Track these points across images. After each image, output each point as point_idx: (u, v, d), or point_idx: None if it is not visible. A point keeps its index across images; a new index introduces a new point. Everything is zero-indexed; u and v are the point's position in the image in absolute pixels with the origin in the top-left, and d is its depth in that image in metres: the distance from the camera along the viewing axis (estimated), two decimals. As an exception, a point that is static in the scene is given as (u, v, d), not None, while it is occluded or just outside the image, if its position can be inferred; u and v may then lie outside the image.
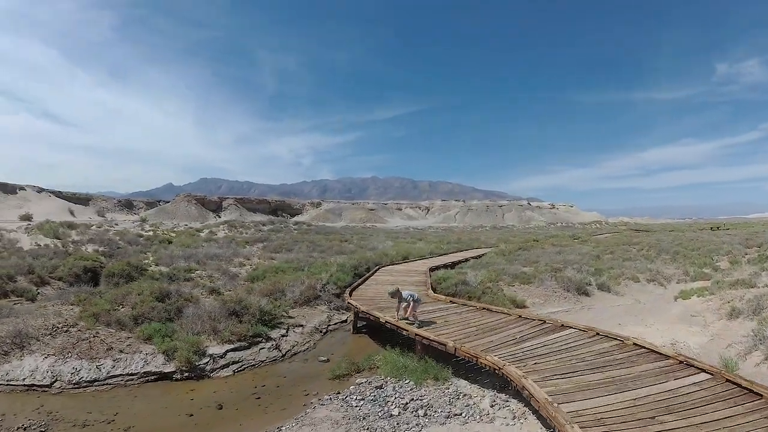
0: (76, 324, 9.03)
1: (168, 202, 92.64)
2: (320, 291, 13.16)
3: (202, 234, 35.11)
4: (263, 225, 40.62)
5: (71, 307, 10.05)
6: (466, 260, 18.14)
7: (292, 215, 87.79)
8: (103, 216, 73.89)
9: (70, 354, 7.64)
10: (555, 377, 5.34)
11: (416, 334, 7.37)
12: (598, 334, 7.07)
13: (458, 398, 6.05)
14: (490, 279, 13.59)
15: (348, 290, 11.83)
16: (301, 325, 10.36)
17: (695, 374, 5.18)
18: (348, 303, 10.09)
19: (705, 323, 9.30)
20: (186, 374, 7.51)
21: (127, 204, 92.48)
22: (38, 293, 12.30)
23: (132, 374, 7.40)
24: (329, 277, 14.01)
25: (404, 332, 7.76)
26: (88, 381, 7.15)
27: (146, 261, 19.00)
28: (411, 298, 8.20)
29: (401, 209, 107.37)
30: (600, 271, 14.97)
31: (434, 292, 11.65)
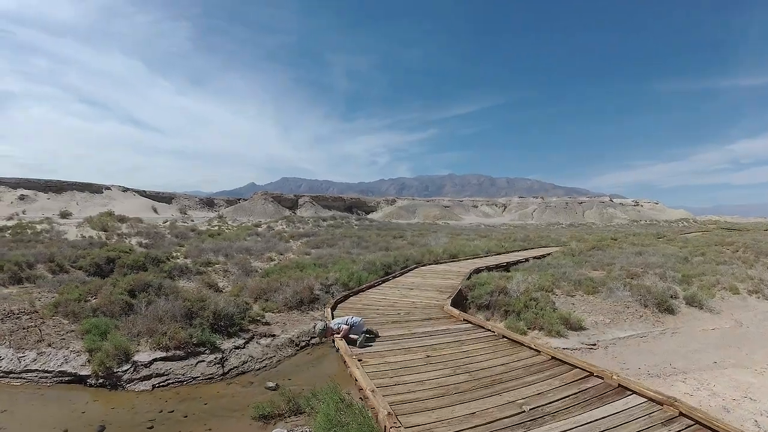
0: (35, 312, 9.36)
1: (247, 200, 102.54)
2: (324, 292, 12.48)
3: (259, 228, 37.31)
4: (323, 221, 41.65)
5: (53, 294, 10.69)
6: (526, 260, 17.64)
7: (367, 212, 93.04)
8: (184, 213, 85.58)
9: (4, 340, 8.20)
10: None
11: (350, 372, 5.65)
12: (693, 420, 4.02)
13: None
14: (541, 287, 11.61)
15: (342, 295, 10.59)
16: (273, 335, 9.47)
17: None
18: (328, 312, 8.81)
19: None
20: (101, 381, 7.38)
21: (208, 202, 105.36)
22: (37, 278, 13.57)
23: (47, 372, 7.55)
24: (340, 277, 12.96)
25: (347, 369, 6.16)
26: (4, 372, 7.51)
27: (175, 253, 20.22)
28: (339, 326, 6.94)
29: (477, 206, 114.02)
30: (688, 279, 13.90)
31: (453, 304, 9.62)
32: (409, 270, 14.91)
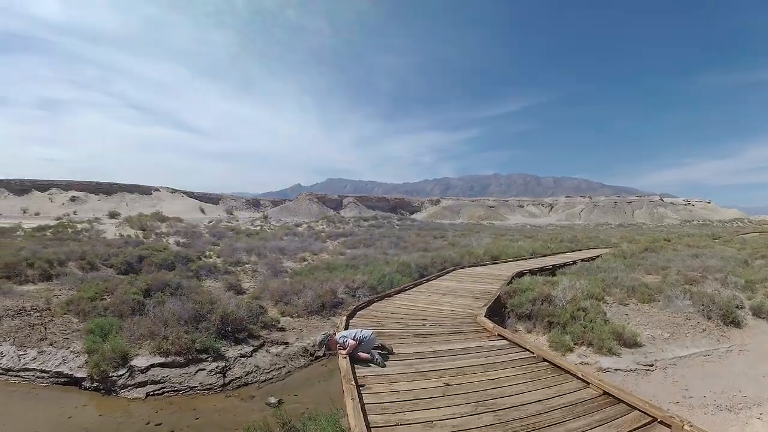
0: (47, 309, 9.41)
1: (292, 201, 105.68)
2: (351, 296, 12.02)
3: (299, 228, 37.66)
4: (364, 220, 41.33)
5: (73, 292, 11.20)
6: (573, 263, 17.06)
7: (411, 213, 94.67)
8: (231, 213, 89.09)
9: (9, 337, 8.35)
10: None
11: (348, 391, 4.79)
12: None
13: None
14: (590, 293, 10.59)
15: (364, 300, 9.84)
16: (285, 343, 8.89)
17: None
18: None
19: None
20: (95, 384, 7.25)
21: (254, 203, 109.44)
22: (66, 275, 14.06)
23: (45, 372, 7.55)
24: (368, 279, 12.34)
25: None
26: (5, 369, 7.61)
27: (208, 252, 20.55)
28: (344, 340, 6.03)
29: (523, 206, 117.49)
30: (752, 285, 12.90)
31: (489, 314, 8.54)
32: (446, 273, 14.34)
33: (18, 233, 23.20)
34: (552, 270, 15.53)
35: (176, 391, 7.24)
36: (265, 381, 7.79)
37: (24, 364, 7.66)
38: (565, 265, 16.85)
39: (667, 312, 10.32)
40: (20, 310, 9.58)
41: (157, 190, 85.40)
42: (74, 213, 51.68)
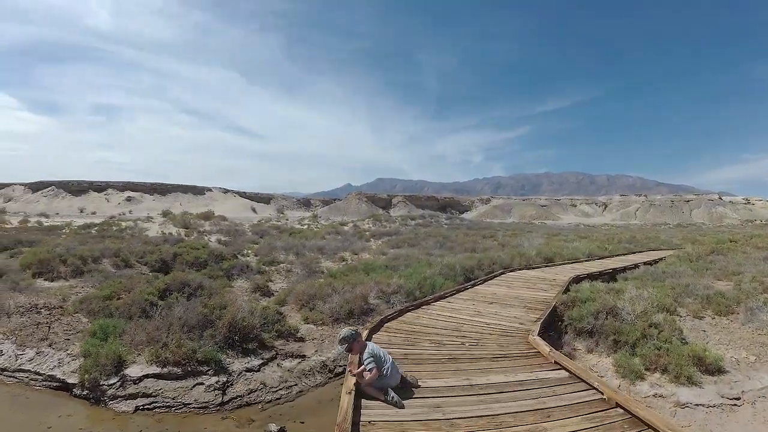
0: (59, 307, 9.21)
1: (341, 200, 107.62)
2: (385, 302, 11.05)
3: (345, 227, 37.47)
4: (412, 219, 40.33)
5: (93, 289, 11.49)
6: (635, 267, 16.27)
7: (461, 212, 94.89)
8: (281, 212, 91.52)
9: (13, 336, 8.31)
10: None
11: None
12: None
13: None
14: (661, 304, 9.49)
15: (395, 310, 8.80)
16: (302, 356, 8.04)
17: None
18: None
19: None
20: (85, 392, 6.89)
21: (305, 202, 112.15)
22: (98, 272, 14.58)
23: (39, 374, 7.37)
24: (405, 283, 11.40)
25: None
26: (1, 368, 7.55)
27: (246, 251, 20.57)
28: (371, 364, 4.77)
29: (576, 205, 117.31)
30: None
31: (543, 331, 7.14)
32: (494, 277, 13.69)
33: (64, 230, 24.36)
34: (612, 274, 14.92)
35: (168, 407, 6.65)
36: (270, 401, 6.90)
37: (20, 365, 7.53)
38: (626, 268, 16.12)
39: (751, 328, 9.13)
40: (32, 307, 9.58)
41: (209, 190, 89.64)
42: (129, 212, 55.15)
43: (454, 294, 10.70)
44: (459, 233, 30.67)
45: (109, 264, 16.41)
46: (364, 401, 4.50)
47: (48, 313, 9.37)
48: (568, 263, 17.74)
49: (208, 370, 7.23)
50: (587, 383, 5.01)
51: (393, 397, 4.49)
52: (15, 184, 79.37)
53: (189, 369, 7.17)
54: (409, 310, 8.99)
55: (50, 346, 7.93)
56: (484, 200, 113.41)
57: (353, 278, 12.98)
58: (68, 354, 7.67)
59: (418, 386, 4.91)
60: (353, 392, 4.51)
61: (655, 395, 6.71)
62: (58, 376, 7.20)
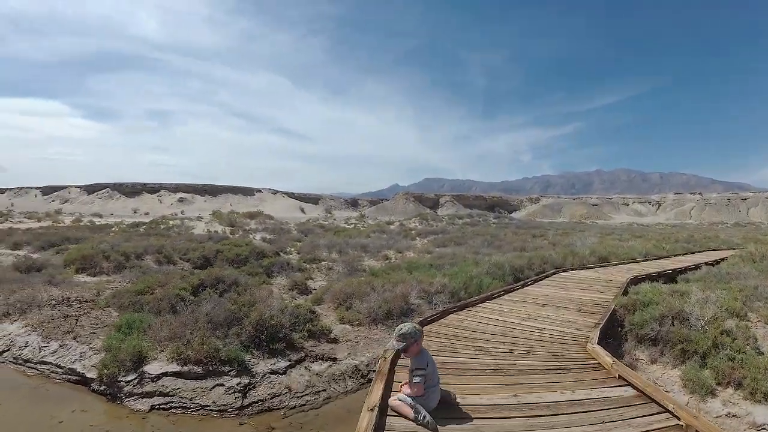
0: (91, 301, 9.28)
1: (389, 200, 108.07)
2: (427, 302, 10.39)
3: (391, 226, 37.13)
4: (459, 218, 39.19)
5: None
6: (696, 267, 15.71)
7: (510, 212, 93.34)
8: (329, 212, 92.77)
9: (40, 328, 8.38)
10: None
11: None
12: None
13: None
14: (731, 309, 8.56)
15: (437, 311, 8.06)
16: (333, 359, 7.48)
17: None
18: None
19: None
20: (103, 387, 6.72)
21: (352, 203, 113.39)
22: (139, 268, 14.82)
23: (59, 367, 7.33)
24: (450, 282, 10.64)
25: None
26: (25, 359, 7.62)
27: (290, 249, 20.64)
28: (420, 376, 3.91)
29: (628, 204, 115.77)
30: None
31: (602, 338, 6.13)
32: (545, 277, 13.09)
33: (113, 229, 25.39)
34: (671, 275, 14.29)
35: (185, 408, 6.31)
36: (294, 408, 6.33)
37: (42, 357, 7.57)
38: (686, 269, 15.50)
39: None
40: (63, 300, 9.74)
41: (259, 191, 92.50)
42: (181, 213, 57.83)
43: (502, 295, 9.93)
44: (507, 232, 30.48)
45: (152, 260, 16.70)
46: (388, 420, 3.75)
47: (79, 306, 9.46)
48: (624, 263, 17.20)
49: (231, 370, 6.80)
50: (659, 404, 4.04)
51: (425, 417, 3.69)
52: (71, 186, 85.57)
53: (210, 369, 6.80)
54: (451, 312, 8.15)
55: (75, 339, 7.90)
56: (533, 199, 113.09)
57: (394, 277, 12.33)
58: (91, 348, 7.59)
59: (456, 403, 4.09)
60: (377, 408, 3.75)
61: (728, 414, 6.03)
62: (78, 370, 7.12)
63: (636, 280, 12.21)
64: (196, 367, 6.76)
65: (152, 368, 6.80)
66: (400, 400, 3.92)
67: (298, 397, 6.52)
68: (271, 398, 6.41)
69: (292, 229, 32.00)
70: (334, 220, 63.92)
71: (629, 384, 4.63)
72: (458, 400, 4.15)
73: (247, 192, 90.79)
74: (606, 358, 5.36)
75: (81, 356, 7.36)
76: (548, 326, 7.25)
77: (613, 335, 8.13)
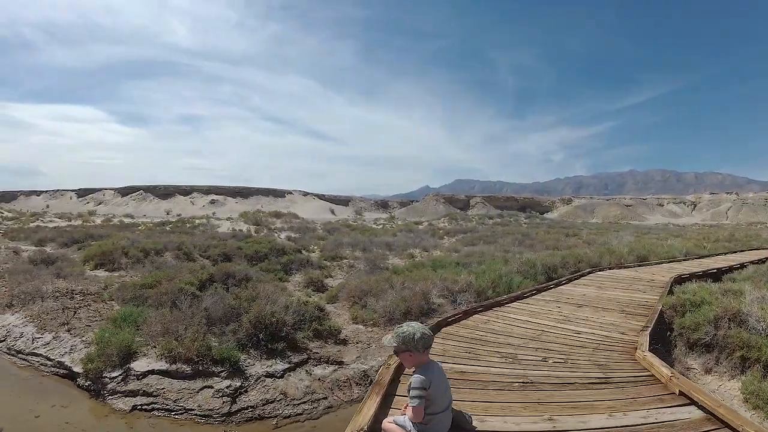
0: (96, 293, 8.93)
1: (419, 201, 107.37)
2: (451, 301, 9.55)
3: (420, 226, 36.44)
4: (489, 218, 37.95)
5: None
6: (742, 266, 15.09)
7: (542, 212, 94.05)
8: (359, 214, 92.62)
9: (38, 319, 8.13)
10: None
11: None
12: None
13: None
14: None
15: (458, 311, 7.18)
16: (339, 363, 6.62)
17: None
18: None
19: None
20: (87, 383, 6.31)
21: (382, 204, 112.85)
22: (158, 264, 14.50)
23: (49, 359, 6.99)
24: (476, 280, 9.76)
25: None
26: (17, 350, 7.38)
27: (313, 246, 20.27)
28: (420, 397, 2.93)
29: (662, 205, 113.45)
30: None
31: (647, 347, 5.26)
32: (581, 276, 12.39)
33: (139, 227, 25.56)
34: (717, 274, 13.58)
35: (168, 410, 5.71)
36: (288, 417, 5.57)
37: (34, 348, 7.26)
38: (731, 268, 14.78)
39: None
40: (68, 292, 9.42)
41: (290, 193, 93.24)
42: (213, 214, 58.68)
43: (534, 294, 9.15)
44: (539, 231, 29.99)
45: (171, 257, 16.44)
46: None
47: (82, 298, 9.16)
48: (665, 262, 16.52)
49: (222, 371, 6.14)
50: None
51: None
52: (105, 189, 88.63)
53: (200, 368, 6.18)
54: (476, 312, 7.22)
55: (68, 331, 7.53)
56: (565, 200, 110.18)
57: (417, 274, 11.47)
58: (83, 341, 7.19)
59: (473, 429, 3.16)
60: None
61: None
62: (66, 363, 6.72)
63: (680, 279, 11.65)
64: (185, 366, 6.14)
65: (139, 365, 6.25)
66: (396, 423, 3.01)
67: (294, 404, 5.73)
68: (264, 405, 5.66)
69: (318, 228, 31.59)
70: (364, 221, 63.62)
71: (694, 403, 3.64)
72: (475, 423, 3.24)
73: (277, 194, 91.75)
74: (662, 368, 4.37)
75: (71, 349, 6.97)
76: (587, 329, 6.32)
77: (660, 340, 7.21)
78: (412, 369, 3.04)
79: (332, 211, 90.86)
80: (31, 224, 29.83)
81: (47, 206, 68.38)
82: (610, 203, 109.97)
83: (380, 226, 41.79)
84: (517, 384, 4.18)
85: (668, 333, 7.61)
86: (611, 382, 4.29)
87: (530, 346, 5.44)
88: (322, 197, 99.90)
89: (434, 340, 5.60)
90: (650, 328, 6.32)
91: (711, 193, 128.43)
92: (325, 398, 5.96)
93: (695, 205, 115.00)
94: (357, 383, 6.42)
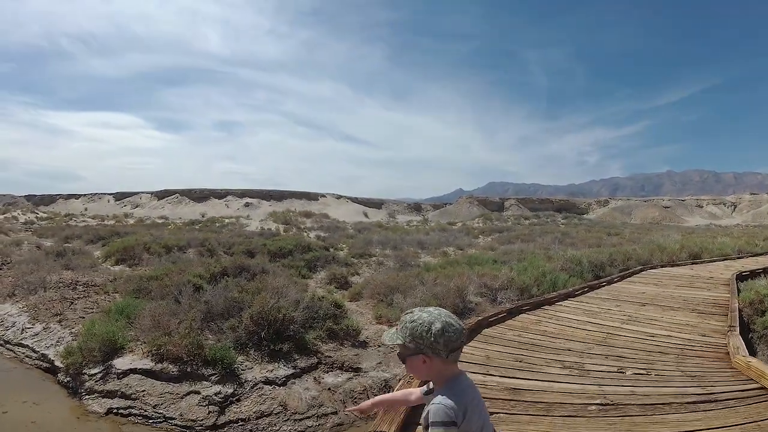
0: (101, 285, 8.33)
1: (452, 204, 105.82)
2: (490, 299, 8.41)
3: (454, 227, 35.26)
4: (525, 219, 36.36)
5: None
6: None
7: (578, 215, 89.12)
8: (393, 217, 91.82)
9: (33, 309, 7.74)
10: None
11: None
12: None
13: None
14: None
15: (502, 309, 6.04)
16: (355, 369, 5.54)
17: None
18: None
19: None
20: (67, 379, 5.73)
21: (416, 207, 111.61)
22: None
23: (34, 351, 6.56)
24: (518, 277, 8.49)
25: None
26: (6, 340, 7.02)
27: (341, 245, 19.67)
28: (449, 413, 1.43)
29: (702, 206, 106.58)
30: None
31: (745, 351, 4.01)
32: (632, 273, 11.91)
33: (169, 226, 25.46)
34: None
35: (145, 417, 4.91)
36: (286, 432, 4.39)
37: (21, 339, 6.85)
38: None
39: None
40: (71, 283, 9.02)
41: (323, 196, 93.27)
42: (247, 216, 59.14)
43: (587, 292, 8.42)
44: (579, 230, 29.56)
45: (194, 253, 15.95)
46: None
47: (84, 290, 8.60)
48: (718, 260, 16.27)
49: (213, 374, 5.20)
50: None
51: None
52: (142, 192, 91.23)
53: (189, 369, 5.32)
54: (522, 311, 6.05)
55: (60, 322, 7.00)
56: (601, 202, 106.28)
57: (451, 270, 10.28)
58: (71, 333, 6.60)
59: None
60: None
61: None
62: (49, 356, 6.19)
63: (741, 277, 11.38)
64: (171, 366, 5.29)
65: (121, 362, 5.48)
66: None
67: (295, 419, 4.67)
68: (257, 418, 4.64)
69: (348, 227, 30.84)
70: (396, 223, 62.92)
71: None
72: None
73: (311, 197, 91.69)
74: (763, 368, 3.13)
75: (58, 342, 6.43)
76: (662, 331, 5.28)
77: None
78: (428, 386, 1.73)
79: (365, 214, 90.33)
80: (63, 224, 30.42)
81: (85, 209, 70.95)
82: (647, 205, 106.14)
83: (413, 227, 40.76)
84: (593, 406, 2.97)
85: (748, 333, 6.77)
86: (717, 400, 3.11)
87: (596, 352, 4.25)
88: (355, 200, 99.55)
89: (474, 345, 4.42)
90: (737, 329, 5.35)
91: (751, 194, 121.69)
92: (335, 413, 4.88)
93: (735, 206, 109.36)
94: (376, 395, 5.30)
